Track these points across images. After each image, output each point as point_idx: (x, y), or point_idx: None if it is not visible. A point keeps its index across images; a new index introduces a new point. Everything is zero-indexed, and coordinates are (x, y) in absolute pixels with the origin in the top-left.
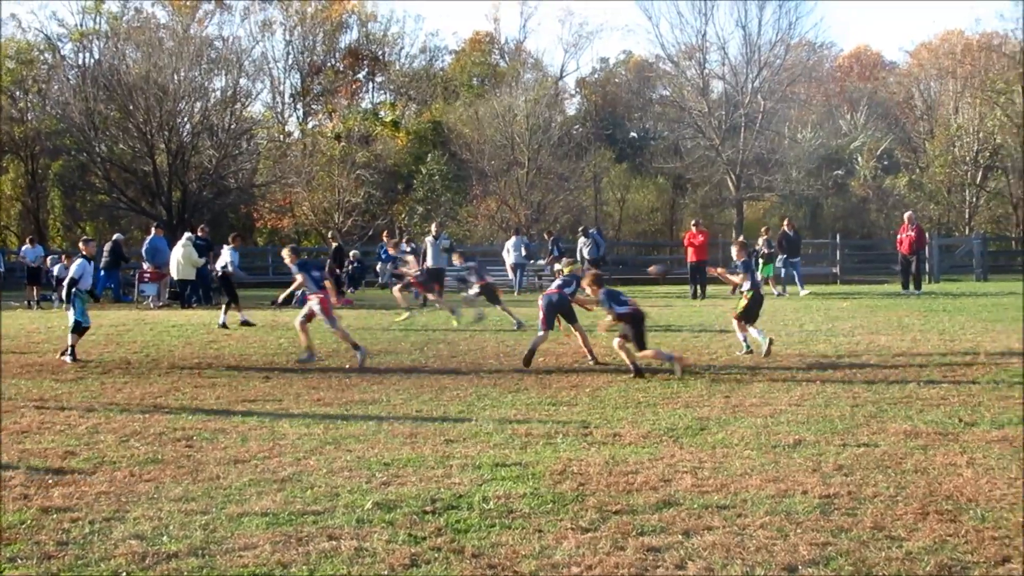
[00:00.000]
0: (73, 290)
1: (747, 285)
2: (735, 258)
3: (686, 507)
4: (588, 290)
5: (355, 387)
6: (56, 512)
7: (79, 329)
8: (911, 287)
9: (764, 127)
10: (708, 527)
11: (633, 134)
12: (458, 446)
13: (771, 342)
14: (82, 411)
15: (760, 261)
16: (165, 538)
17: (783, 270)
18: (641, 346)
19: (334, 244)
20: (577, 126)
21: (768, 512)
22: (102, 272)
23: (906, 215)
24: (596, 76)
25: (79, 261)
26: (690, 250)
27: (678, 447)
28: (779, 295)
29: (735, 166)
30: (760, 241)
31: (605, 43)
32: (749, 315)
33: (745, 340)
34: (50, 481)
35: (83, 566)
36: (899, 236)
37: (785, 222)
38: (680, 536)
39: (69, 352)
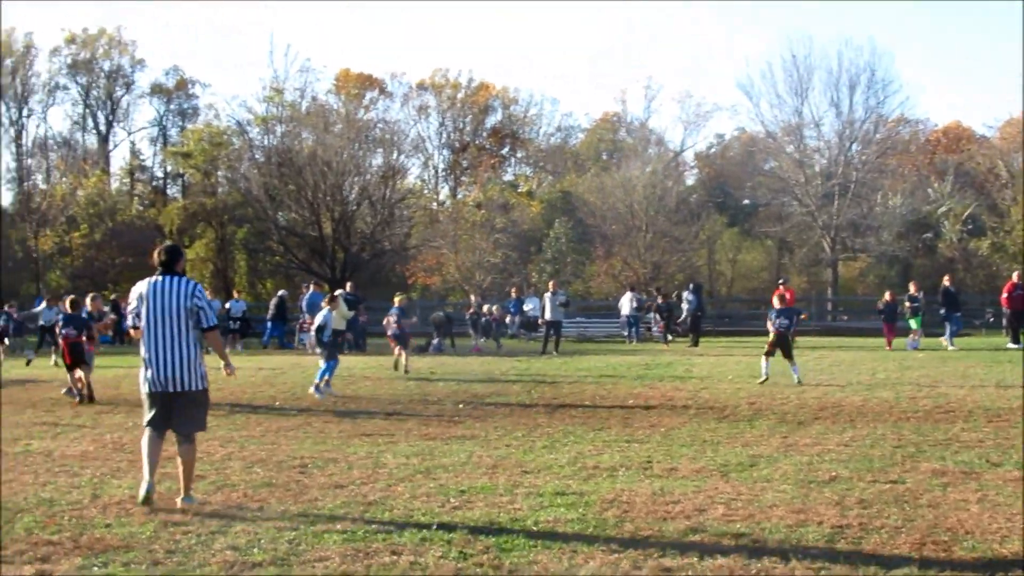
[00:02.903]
0: (323, 334)
1: (771, 328)
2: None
3: (709, 533)
4: None
5: (461, 424)
6: (172, 526)
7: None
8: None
9: (857, 195)
10: (722, 551)
11: (746, 201)
12: (530, 477)
13: (799, 382)
14: (222, 441)
15: (909, 313)
16: (256, 550)
17: (946, 323)
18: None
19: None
20: (694, 195)
21: (781, 540)
22: (269, 323)
23: (1015, 274)
24: (712, 150)
25: (324, 310)
26: None
27: (724, 481)
28: (913, 347)
29: (830, 230)
30: (907, 296)
31: (719, 121)
32: (773, 349)
33: (765, 369)
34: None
35: (183, 572)
36: (1004, 293)
37: (946, 278)
38: (695, 559)
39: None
